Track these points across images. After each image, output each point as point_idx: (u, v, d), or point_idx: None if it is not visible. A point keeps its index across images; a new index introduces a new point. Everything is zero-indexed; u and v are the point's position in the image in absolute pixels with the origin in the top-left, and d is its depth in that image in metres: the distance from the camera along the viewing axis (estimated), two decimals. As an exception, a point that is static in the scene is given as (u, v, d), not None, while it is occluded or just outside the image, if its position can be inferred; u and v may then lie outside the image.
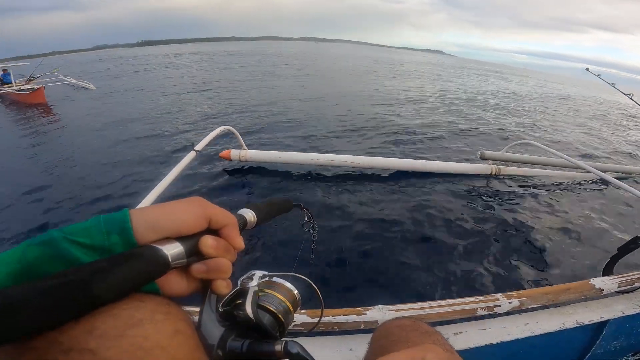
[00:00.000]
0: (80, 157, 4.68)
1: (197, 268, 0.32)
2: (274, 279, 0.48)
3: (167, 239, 0.30)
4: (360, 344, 0.90)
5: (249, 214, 0.47)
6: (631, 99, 2.78)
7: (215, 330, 0.34)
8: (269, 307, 0.43)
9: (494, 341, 0.92)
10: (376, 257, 2.31)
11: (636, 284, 1.11)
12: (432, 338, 0.57)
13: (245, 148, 3.53)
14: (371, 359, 0.60)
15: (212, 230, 0.34)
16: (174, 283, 0.32)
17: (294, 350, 0.34)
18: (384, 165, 3.72)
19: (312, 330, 0.90)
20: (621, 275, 1.12)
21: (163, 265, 0.28)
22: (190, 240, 0.32)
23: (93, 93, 11.74)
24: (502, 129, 6.53)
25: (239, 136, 3.32)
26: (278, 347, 0.34)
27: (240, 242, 0.36)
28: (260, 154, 3.61)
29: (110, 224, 0.28)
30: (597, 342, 1.08)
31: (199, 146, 2.58)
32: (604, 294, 1.08)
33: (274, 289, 0.46)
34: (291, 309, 0.46)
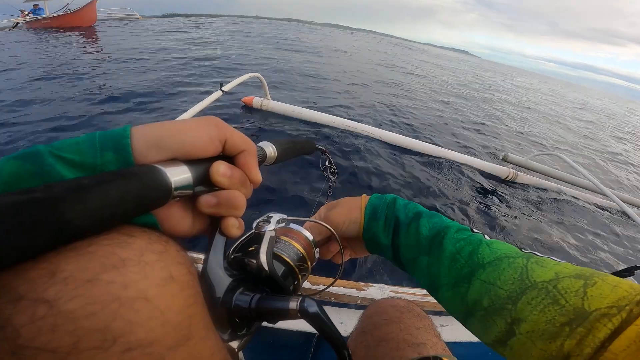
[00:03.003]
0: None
1: (206, 200, 0.27)
2: (291, 225, 0.43)
3: (173, 160, 0.25)
4: (352, 319, 0.94)
5: (269, 148, 0.40)
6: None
7: (222, 280, 0.29)
8: (284, 257, 0.38)
9: (475, 339, 0.98)
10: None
11: None
12: (423, 322, 0.60)
13: (269, 98, 3.47)
14: (360, 333, 0.62)
15: (227, 158, 0.29)
16: (177, 218, 0.27)
17: (312, 309, 0.29)
18: (404, 144, 3.67)
19: (319, 293, 0.89)
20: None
21: (164, 192, 0.22)
22: (200, 165, 0.26)
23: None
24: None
25: (266, 85, 3.25)
26: (293, 305, 0.29)
27: (257, 174, 0.31)
28: (282, 106, 3.56)
29: (105, 140, 0.23)
30: None
31: (227, 87, 2.54)
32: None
33: (291, 237, 0.42)
34: (308, 262, 0.41)
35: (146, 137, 0.24)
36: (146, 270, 0.20)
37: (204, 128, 0.27)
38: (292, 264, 0.38)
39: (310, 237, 0.44)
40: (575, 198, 3.76)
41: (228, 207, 0.28)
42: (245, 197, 0.30)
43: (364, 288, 0.94)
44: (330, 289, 0.92)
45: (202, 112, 2.49)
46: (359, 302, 0.94)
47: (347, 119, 3.64)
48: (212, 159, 0.27)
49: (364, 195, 0.53)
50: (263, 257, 0.33)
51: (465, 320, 0.40)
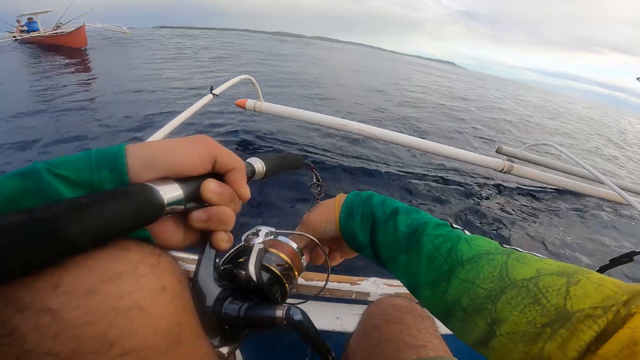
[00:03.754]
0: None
1: (197, 216, 0.29)
2: (279, 237, 0.45)
3: (165, 179, 0.26)
4: (347, 314, 0.93)
5: (258, 164, 0.42)
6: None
7: (211, 290, 0.31)
8: (272, 268, 0.39)
9: None
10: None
11: None
12: (425, 323, 0.58)
13: (262, 100, 3.46)
14: (361, 334, 0.61)
15: (217, 175, 0.31)
16: (170, 232, 0.28)
17: (297, 317, 0.31)
18: (397, 140, 3.64)
19: (318, 295, 0.91)
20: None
21: (157, 209, 0.24)
22: (191, 183, 0.28)
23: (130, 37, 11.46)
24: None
25: (258, 87, 3.24)
26: (279, 313, 0.31)
27: (246, 191, 0.32)
28: (276, 107, 3.54)
29: (101, 158, 0.24)
30: None
31: (218, 90, 2.54)
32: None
33: (278, 249, 0.43)
34: (296, 273, 0.43)
35: (140, 156, 0.25)
36: (140, 281, 0.21)
37: (195, 147, 0.28)
38: (279, 274, 0.39)
39: (296, 247, 0.45)
40: (572, 189, 3.76)
41: (218, 222, 0.30)
42: (234, 213, 0.31)
43: (358, 282, 0.93)
44: (324, 283, 0.91)
45: (194, 116, 2.49)
46: (353, 296, 0.92)
47: (341, 118, 3.63)
48: (202, 177, 0.29)
49: (340, 194, 0.52)
50: (251, 269, 0.35)
51: (446, 321, 0.39)
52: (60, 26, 12.90)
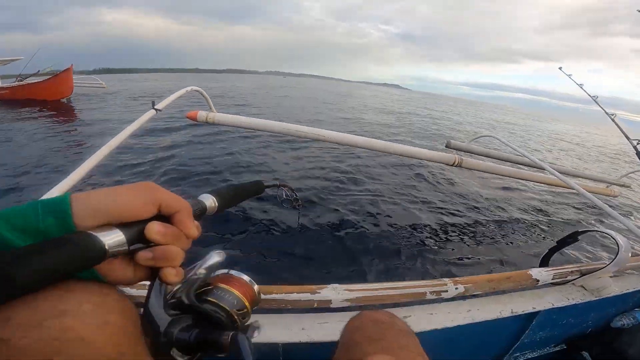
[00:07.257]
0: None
1: (143, 255, 0.32)
2: (231, 272, 0.47)
3: (107, 225, 0.29)
4: (312, 324, 0.90)
5: (210, 200, 0.45)
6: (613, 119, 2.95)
7: (163, 319, 0.34)
8: (221, 304, 0.41)
9: (439, 326, 0.96)
10: (331, 234, 2.34)
11: (568, 277, 1.20)
12: (408, 339, 0.57)
13: (214, 111, 3.33)
14: (344, 351, 0.59)
15: (165, 217, 0.34)
16: (119, 270, 0.32)
17: (238, 344, 0.34)
18: (351, 142, 3.68)
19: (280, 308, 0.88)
20: (556, 268, 1.19)
21: (98, 253, 0.27)
22: (136, 226, 0.31)
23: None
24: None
25: (208, 98, 3.12)
26: (225, 338, 0.34)
27: (193, 230, 0.35)
28: (230, 117, 3.42)
29: (47, 207, 0.27)
30: (526, 331, 1.15)
31: (160, 105, 2.39)
32: (539, 284, 1.14)
33: (228, 284, 0.45)
34: (248, 306, 0.44)
35: (84, 205, 0.28)
36: (83, 318, 0.25)
37: (138, 194, 0.31)
38: (229, 309, 0.41)
39: (253, 283, 0.47)
40: (517, 177, 4.06)
41: (163, 259, 0.33)
42: (182, 249, 0.34)
43: (318, 290, 0.89)
44: (284, 296, 0.86)
45: (137, 133, 2.32)
46: (315, 305, 0.88)
47: (297, 124, 3.61)
48: (148, 220, 0.32)
49: None
50: (184, 297, 0.37)
51: None
52: (22, 80, 10.22)
